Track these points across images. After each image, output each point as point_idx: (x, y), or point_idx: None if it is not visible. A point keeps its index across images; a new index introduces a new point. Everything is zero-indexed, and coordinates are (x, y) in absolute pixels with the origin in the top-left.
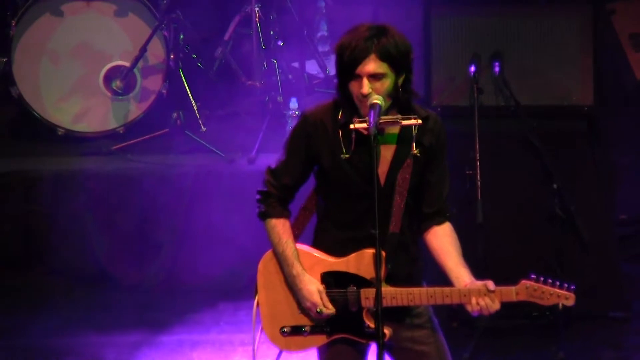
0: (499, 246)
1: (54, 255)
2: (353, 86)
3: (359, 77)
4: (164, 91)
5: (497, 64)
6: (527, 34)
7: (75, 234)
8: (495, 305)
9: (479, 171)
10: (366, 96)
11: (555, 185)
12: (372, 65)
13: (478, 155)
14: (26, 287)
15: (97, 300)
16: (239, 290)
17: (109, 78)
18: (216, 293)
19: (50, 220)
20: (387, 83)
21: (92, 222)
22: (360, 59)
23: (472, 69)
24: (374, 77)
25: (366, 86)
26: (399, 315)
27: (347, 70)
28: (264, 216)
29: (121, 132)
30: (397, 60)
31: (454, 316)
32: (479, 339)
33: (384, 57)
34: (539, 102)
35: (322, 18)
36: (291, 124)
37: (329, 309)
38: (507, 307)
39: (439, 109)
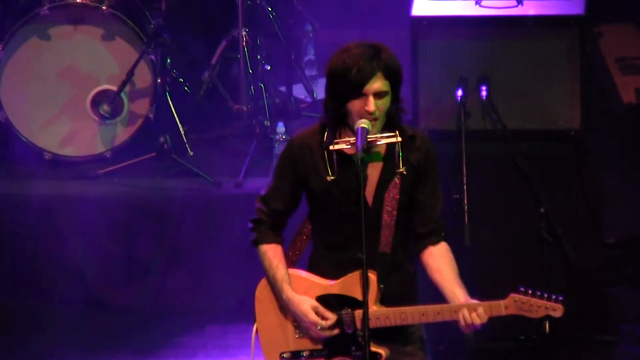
0: (486, 269)
1: (42, 278)
2: (354, 105)
3: (363, 96)
4: (151, 115)
5: (484, 87)
6: (514, 58)
7: (63, 257)
8: (482, 319)
9: (466, 194)
10: (372, 114)
11: (542, 209)
12: (378, 83)
13: (465, 178)
14: (15, 310)
15: (85, 323)
16: (227, 313)
17: (96, 102)
18: (204, 316)
19: (38, 244)
20: (387, 101)
21: (79, 245)
22: (368, 77)
23: (459, 92)
24: (379, 95)
25: (372, 104)
26: (392, 336)
27: (353, 88)
28: (256, 243)
29: (108, 156)
30: (397, 78)
31: (441, 339)
32: None
33: (387, 75)
34: (526, 126)
35: (310, 42)
36: (278, 148)
37: (329, 319)
38: (494, 329)
39: (426, 132)
